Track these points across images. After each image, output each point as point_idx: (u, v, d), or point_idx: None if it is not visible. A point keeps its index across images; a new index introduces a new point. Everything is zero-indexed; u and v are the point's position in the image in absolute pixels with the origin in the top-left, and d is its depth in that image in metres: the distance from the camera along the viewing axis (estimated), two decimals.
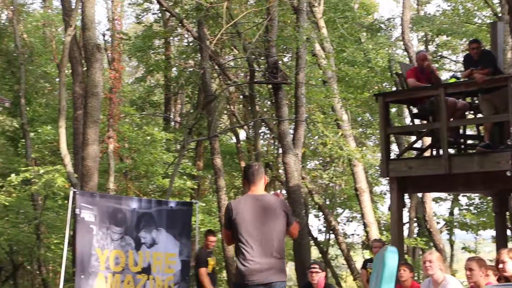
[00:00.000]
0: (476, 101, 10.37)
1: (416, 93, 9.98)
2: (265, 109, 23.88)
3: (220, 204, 18.07)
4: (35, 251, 20.53)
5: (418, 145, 12.23)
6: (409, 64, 16.36)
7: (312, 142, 24.71)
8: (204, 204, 19.37)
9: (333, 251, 28.81)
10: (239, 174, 23.55)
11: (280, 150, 18.28)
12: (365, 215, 19.96)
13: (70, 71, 19.29)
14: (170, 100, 25.12)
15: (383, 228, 23.52)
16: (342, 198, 27.06)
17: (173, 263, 10.62)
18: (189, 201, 15.38)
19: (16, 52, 22.71)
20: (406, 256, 18.01)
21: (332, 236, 26.38)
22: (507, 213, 11.12)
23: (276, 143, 23.48)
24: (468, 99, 10.56)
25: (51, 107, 23.84)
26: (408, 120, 19.16)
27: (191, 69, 20.38)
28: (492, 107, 9.39)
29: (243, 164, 21.45)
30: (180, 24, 19.37)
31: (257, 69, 18.10)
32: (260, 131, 21.90)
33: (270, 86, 18.18)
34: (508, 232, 16.23)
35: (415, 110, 10.59)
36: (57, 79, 22.70)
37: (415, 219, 26.00)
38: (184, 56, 21.76)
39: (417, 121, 11.05)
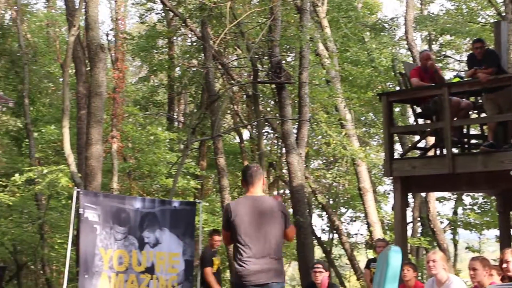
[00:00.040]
0: (480, 101, 10.36)
1: (420, 92, 9.96)
2: (268, 109, 23.87)
3: (224, 203, 18.06)
4: (39, 250, 20.54)
5: (421, 144, 12.19)
6: (413, 63, 16.40)
7: (316, 142, 24.73)
8: (207, 204, 19.35)
9: (336, 250, 28.79)
10: None
11: (284, 150, 18.30)
12: (368, 215, 19.94)
13: (74, 71, 19.32)
14: (174, 99, 25.14)
15: (386, 228, 23.50)
16: (345, 198, 27.07)
17: (176, 262, 10.62)
18: (192, 200, 15.37)
19: (19, 52, 22.72)
20: (409, 255, 18.02)
21: (336, 235, 26.36)
22: (511, 213, 11.08)
23: (279, 143, 23.48)
24: (472, 99, 10.53)
25: (54, 107, 23.87)
26: (411, 120, 19.17)
27: (195, 69, 20.39)
28: (495, 106, 9.38)
29: (246, 163, 21.45)
30: (183, 24, 19.40)
31: (260, 68, 18.11)
32: (263, 130, 21.91)
33: (273, 85, 18.21)
34: None
35: (418, 110, 10.58)
36: (61, 79, 22.72)
37: (418, 219, 25.97)
38: (187, 55, 21.77)
39: (420, 121, 11.03)
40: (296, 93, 17.69)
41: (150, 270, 10.33)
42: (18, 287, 21.75)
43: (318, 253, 25.97)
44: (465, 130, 10.73)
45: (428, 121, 10.82)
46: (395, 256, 6.96)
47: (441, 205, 29.16)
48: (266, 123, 21.73)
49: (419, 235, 24.85)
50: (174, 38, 23.61)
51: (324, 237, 28.08)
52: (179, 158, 18.53)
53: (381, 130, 19.31)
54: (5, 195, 17.20)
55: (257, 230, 5.94)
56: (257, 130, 19.83)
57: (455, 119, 9.57)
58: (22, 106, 21.49)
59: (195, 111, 22.61)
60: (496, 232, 24.83)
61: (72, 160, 14.54)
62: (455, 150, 9.96)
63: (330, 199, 26.67)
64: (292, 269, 34.83)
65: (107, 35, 24.23)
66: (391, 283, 6.85)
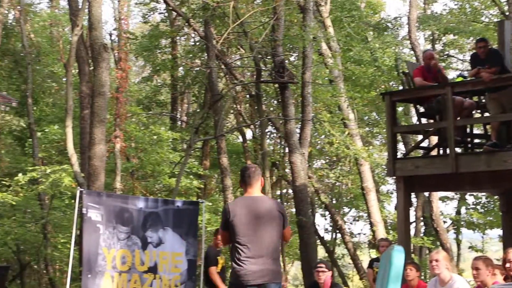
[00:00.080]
0: (483, 100, 10.35)
1: (423, 92, 9.96)
2: (271, 109, 23.88)
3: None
4: (42, 250, 20.57)
5: (425, 144, 12.20)
6: (416, 63, 16.34)
7: (319, 141, 24.71)
8: (210, 203, 19.36)
9: (339, 250, 28.78)
10: None
11: (287, 149, 18.29)
12: (371, 214, 19.92)
13: (77, 70, 19.35)
14: (177, 99, 25.15)
15: (389, 227, 23.51)
16: (348, 197, 27.05)
17: (179, 262, 10.61)
18: (195, 200, 15.37)
19: (23, 52, 22.77)
20: (412, 255, 17.99)
21: (339, 235, 26.35)
22: None
23: (282, 142, 23.48)
24: (475, 98, 10.53)
25: (58, 107, 23.90)
26: (415, 119, 19.12)
27: (198, 69, 20.41)
28: (499, 106, 9.37)
29: (249, 163, 21.45)
30: (186, 24, 19.39)
31: (263, 68, 18.12)
32: (266, 130, 21.90)
33: (276, 85, 18.18)
34: None
35: (422, 109, 10.57)
36: (64, 79, 22.77)
37: (421, 218, 25.94)
38: (190, 55, 21.79)
39: (424, 120, 11.03)
40: (299, 93, 17.68)
41: (153, 269, 10.33)
42: (21, 287, 21.78)
43: (321, 252, 25.96)
44: (468, 130, 10.72)
45: (431, 121, 10.82)
46: (398, 255, 6.95)
47: (444, 205, 29.21)
48: (269, 122, 21.73)
49: (422, 234, 24.82)
50: (177, 37, 23.62)
51: (327, 237, 28.10)
52: (182, 158, 18.55)
53: (384, 130, 19.27)
54: (9, 194, 17.21)
55: (255, 230, 5.95)
56: (260, 129, 19.84)
57: (458, 118, 9.56)
58: (25, 105, 21.53)
59: (198, 110, 22.66)
60: (499, 231, 24.76)
61: (75, 160, 14.54)
62: (458, 150, 9.95)
63: (333, 199, 26.66)
64: (295, 269, 34.86)
65: (110, 35, 24.33)
66: (394, 282, 6.85)
